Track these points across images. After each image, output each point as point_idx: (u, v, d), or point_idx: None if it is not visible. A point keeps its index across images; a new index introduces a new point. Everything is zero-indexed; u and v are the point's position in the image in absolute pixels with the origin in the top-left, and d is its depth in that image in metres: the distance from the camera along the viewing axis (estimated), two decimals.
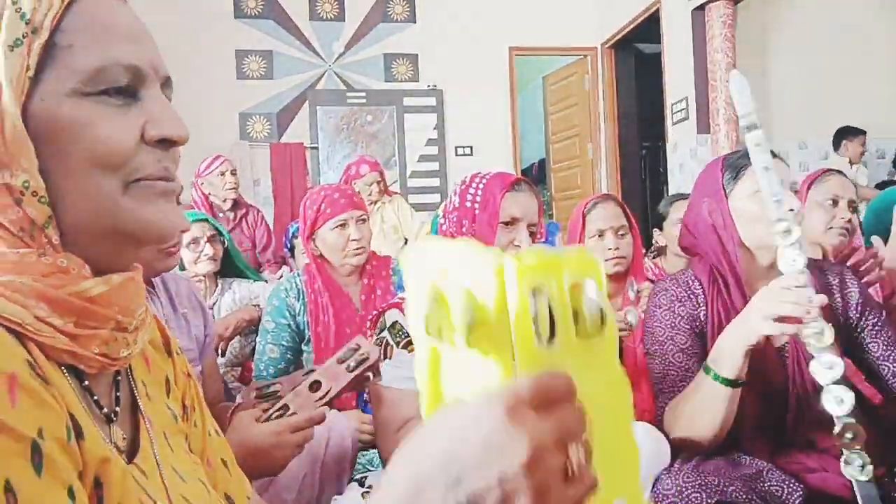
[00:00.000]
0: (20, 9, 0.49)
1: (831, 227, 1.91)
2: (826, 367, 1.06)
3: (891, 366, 1.31)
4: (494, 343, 0.42)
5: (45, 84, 0.50)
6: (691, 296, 1.36)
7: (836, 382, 1.06)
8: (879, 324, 1.34)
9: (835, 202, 1.92)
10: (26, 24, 0.49)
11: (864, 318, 1.34)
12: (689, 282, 1.38)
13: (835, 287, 1.36)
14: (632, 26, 5.63)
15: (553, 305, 0.43)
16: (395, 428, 1.28)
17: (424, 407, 0.47)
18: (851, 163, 4.84)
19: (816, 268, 1.38)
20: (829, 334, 1.07)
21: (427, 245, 0.47)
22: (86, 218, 0.52)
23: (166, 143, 0.55)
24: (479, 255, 0.43)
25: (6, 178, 0.49)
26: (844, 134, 4.92)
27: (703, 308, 1.35)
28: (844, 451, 1.06)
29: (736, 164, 1.35)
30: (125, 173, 0.52)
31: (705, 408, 1.19)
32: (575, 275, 0.44)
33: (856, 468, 1.05)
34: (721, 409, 1.17)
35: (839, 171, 2.01)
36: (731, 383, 1.16)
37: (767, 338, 1.31)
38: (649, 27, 5.45)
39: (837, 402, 1.05)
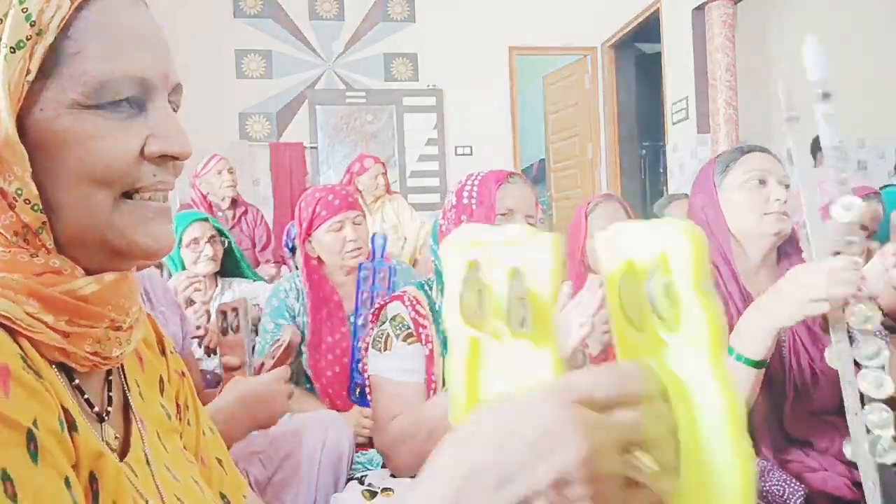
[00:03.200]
0: (26, 9, 0.47)
1: None
2: (872, 353, 1.04)
3: None
4: (546, 330, 0.37)
5: (47, 92, 0.48)
6: None
7: (879, 368, 1.04)
8: None
9: None
10: (31, 25, 0.47)
11: None
12: None
13: None
14: (632, 26, 5.64)
15: (642, 285, 0.37)
16: (389, 419, 1.29)
17: (458, 405, 0.42)
18: None
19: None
20: (877, 317, 1.04)
21: (468, 229, 0.42)
22: (77, 228, 0.51)
23: (166, 158, 0.54)
24: (530, 234, 0.38)
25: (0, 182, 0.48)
26: (817, 147, 4.86)
27: None
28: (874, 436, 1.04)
29: (727, 158, 1.39)
30: (119, 187, 0.52)
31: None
32: (666, 251, 0.37)
33: (884, 453, 1.03)
34: (744, 392, 1.14)
35: (877, 195, 1.98)
36: (756, 364, 1.13)
37: None
38: (649, 27, 5.45)
39: (876, 385, 1.03)
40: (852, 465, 1.20)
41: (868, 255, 1.91)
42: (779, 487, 1.17)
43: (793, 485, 1.16)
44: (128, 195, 0.53)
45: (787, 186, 1.34)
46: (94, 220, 0.51)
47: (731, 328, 1.31)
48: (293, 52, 5.64)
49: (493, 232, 0.40)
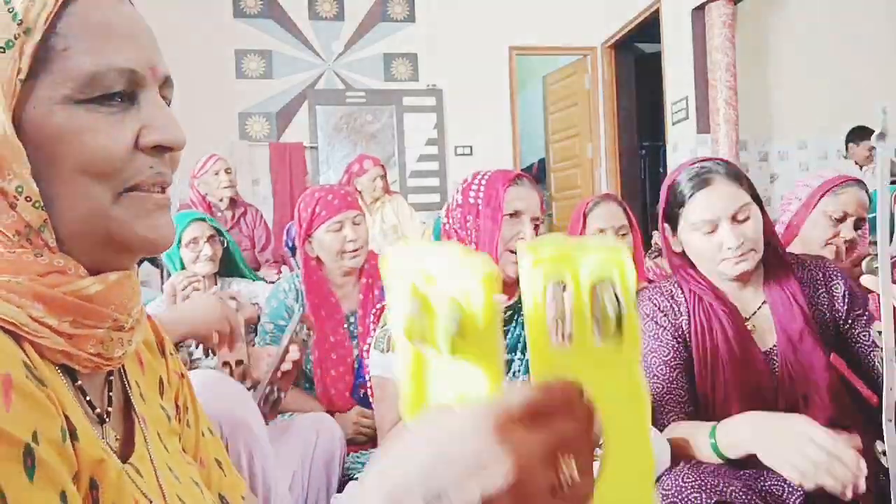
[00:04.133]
0: (12, 9, 0.48)
1: (829, 244, 1.87)
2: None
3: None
4: (482, 351, 0.40)
5: (39, 90, 0.49)
6: (673, 305, 1.37)
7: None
8: (867, 314, 1.33)
9: (842, 219, 1.86)
10: (18, 24, 0.48)
11: (852, 310, 1.33)
12: (673, 290, 1.39)
13: (819, 281, 1.36)
14: (632, 26, 5.63)
15: (571, 303, 0.40)
16: (393, 421, 1.29)
17: (406, 409, 0.45)
18: (861, 166, 4.79)
19: (798, 262, 1.38)
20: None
21: (409, 248, 0.45)
22: (79, 223, 0.52)
23: (161, 149, 0.54)
24: (466, 262, 0.41)
25: None
26: (853, 136, 4.87)
27: (685, 317, 1.35)
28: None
29: (680, 193, 1.33)
30: (117, 182, 0.52)
31: (694, 456, 1.21)
32: (597, 269, 0.41)
33: None
34: (695, 456, 1.21)
35: (859, 183, 1.94)
36: (725, 459, 1.17)
37: (753, 340, 1.31)
38: (649, 27, 5.45)
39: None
40: None
41: (853, 245, 1.89)
42: (778, 487, 1.17)
43: (791, 485, 1.16)
44: (127, 191, 0.53)
45: (747, 219, 1.27)
46: (95, 213, 0.52)
47: (713, 338, 1.30)
48: (293, 52, 5.64)
49: (434, 256, 0.42)
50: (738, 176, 1.30)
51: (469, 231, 1.36)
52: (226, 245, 2.31)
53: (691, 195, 1.31)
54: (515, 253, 1.35)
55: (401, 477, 0.36)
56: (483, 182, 1.38)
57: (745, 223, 1.27)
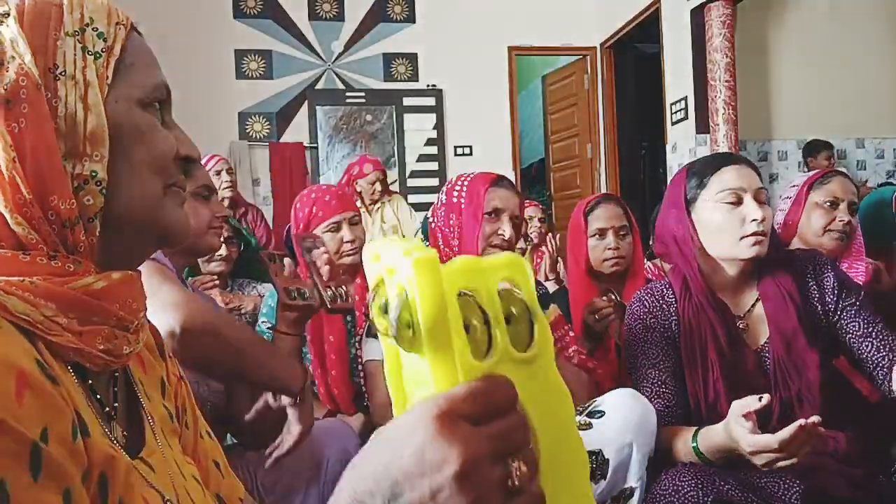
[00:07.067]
0: (97, 28, 0.58)
1: (829, 230, 1.89)
2: None
3: (873, 341, 1.29)
4: (430, 346, 0.39)
5: (116, 90, 0.58)
6: (664, 306, 1.37)
7: None
8: (858, 303, 1.32)
9: (834, 204, 1.89)
10: (104, 41, 0.58)
11: (841, 301, 1.33)
12: (664, 290, 1.39)
13: (809, 274, 1.36)
14: (631, 26, 5.64)
15: (486, 312, 0.41)
16: (388, 403, 1.30)
17: (394, 406, 0.46)
18: None
19: (789, 257, 1.38)
20: None
21: (380, 244, 0.45)
22: (135, 210, 0.58)
23: (188, 161, 0.64)
24: (406, 254, 0.40)
25: (70, 168, 0.54)
26: (809, 149, 4.87)
27: (675, 318, 1.35)
28: None
29: (701, 171, 1.35)
30: (165, 177, 0.61)
31: (681, 458, 1.24)
32: (504, 279, 0.43)
33: None
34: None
35: (841, 172, 1.99)
36: (708, 462, 1.19)
37: (745, 340, 1.32)
38: (649, 27, 5.46)
39: None
40: (850, 464, 1.21)
41: (853, 230, 1.91)
42: (773, 485, 1.17)
43: (788, 482, 1.17)
44: (168, 187, 0.62)
45: (765, 203, 1.29)
46: (150, 203, 0.59)
47: (702, 338, 1.31)
48: (293, 52, 5.64)
49: (395, 249, 0.42)
50: (755, 167, 1.34)
51: (452, 228, 1.45)
52: (241, 247, 2.31)
53: (718, 168, 1.32)
54: (496, 248, 1.42)
55: (361, 482, 0.38)
56: (465, 183, 1.48)
57: (765, 206, 1.29)
